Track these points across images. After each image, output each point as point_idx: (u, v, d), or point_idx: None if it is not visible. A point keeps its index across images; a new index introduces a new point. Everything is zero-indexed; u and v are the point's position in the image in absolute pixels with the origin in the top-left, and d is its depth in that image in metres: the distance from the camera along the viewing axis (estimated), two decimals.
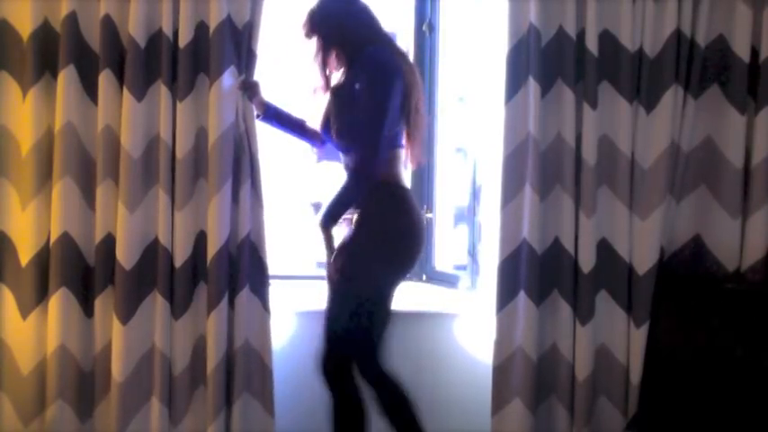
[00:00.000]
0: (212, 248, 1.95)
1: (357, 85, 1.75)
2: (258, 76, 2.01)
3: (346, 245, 1.79)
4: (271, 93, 2.04)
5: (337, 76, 1.87)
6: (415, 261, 1.85)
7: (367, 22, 1.85)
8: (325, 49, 1.83)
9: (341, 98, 1.80)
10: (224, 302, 1.97)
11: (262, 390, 2.02)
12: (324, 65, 1.85)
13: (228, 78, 1.94)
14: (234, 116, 1.97)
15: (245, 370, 2.01)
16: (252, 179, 2.00)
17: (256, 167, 2.00)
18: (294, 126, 2.05)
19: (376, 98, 1.73)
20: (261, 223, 2.01)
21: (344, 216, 1.82)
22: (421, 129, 1.89)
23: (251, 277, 2.01)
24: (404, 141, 1.87)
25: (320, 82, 1.88)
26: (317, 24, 1.83)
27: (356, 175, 1.76)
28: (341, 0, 1.86)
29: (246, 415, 2.01)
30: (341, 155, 1.89)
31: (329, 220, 1.77)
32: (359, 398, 1.83)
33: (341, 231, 1.83)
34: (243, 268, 1.99)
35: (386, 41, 1.85)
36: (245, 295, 2.00)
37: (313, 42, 1.84)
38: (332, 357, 1.82)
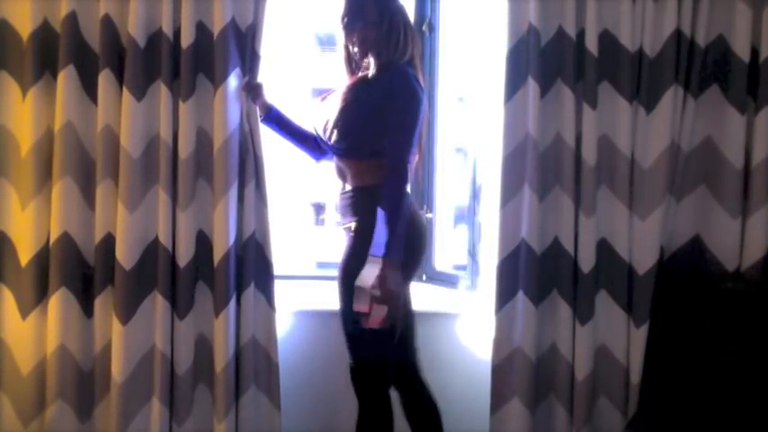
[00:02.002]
0: (219, 251, 1.96)
1: (380, 97, 1.71)
2: (261, 77, 2.01)
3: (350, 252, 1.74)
4: (273, 94, 2.04)
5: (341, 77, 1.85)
6: (416, 268, 1.80)
7: (413, 43, 1.81)
8: (370, 41, 1.76)
9: (357, 99, 1.75)
10: (232, 304, 1.98)
11: (268, 384, 2.04)
12: (364, 52, 1.78)
13: (233, 81, 1.94)
14: (239, 119, 1.98)
15: (253, 365, 2.03)
16: (256, 179, 2.00)
17: (261, 168, 2.01)
18: (294, 132, 2.02)
19: (411, 124, 1.70)
20: (266, 223, 2.02)
21: (343, 224, 1.79)
22: (421, 144, 1.89)
23: (256, 275, 2.02)
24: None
25: (345, 70, 1.85)
26: (384, 13, 1.76)
27: (393, 195, 1.65)
28: (404, 9, 1.83)
29: (254, 409, 2.03)
30: (335, 158, 1.85)
31: (396, 251, 1.63)
32: (389, 409, 1.76)
33: (343, 239, 1.80)
34: (248, 267, 2.00)
35: (414, 66, 1.81)
36: (251, 293, 2.01)
37: (365, 27, 1.76)
38: (361, 367, 1.76)
